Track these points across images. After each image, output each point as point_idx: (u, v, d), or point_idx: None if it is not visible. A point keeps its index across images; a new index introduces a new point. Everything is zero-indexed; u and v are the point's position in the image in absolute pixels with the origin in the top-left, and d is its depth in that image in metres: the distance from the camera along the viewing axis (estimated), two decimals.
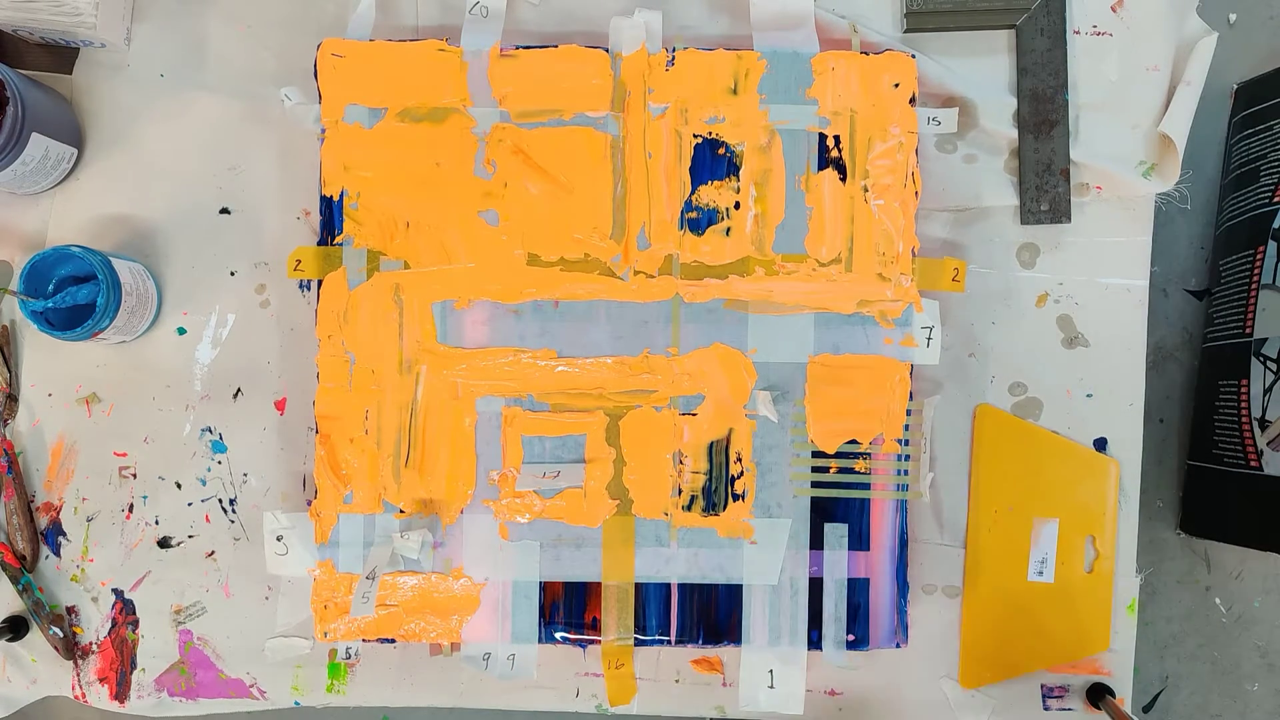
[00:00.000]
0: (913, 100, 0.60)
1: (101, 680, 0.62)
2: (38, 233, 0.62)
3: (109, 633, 0.62)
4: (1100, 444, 0.63)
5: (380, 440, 0.59)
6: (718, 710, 0.62)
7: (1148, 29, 0.62)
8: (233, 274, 0.62)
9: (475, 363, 0.59)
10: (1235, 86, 0.70)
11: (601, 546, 0.59)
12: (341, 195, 0.59)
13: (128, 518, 0.62)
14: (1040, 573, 0.62)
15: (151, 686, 0.62)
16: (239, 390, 0.62)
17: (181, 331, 0.62)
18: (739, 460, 0.59)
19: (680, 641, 0.60)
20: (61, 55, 0.63)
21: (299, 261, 0.59)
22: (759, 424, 0.59)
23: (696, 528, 0.59)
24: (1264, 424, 0.62)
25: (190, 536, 0.62)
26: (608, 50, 0.60)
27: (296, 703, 0.63)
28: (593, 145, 0.59)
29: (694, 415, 0.59)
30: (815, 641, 0.60)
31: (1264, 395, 0.62)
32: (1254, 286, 0.64)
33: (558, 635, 0.59)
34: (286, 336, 0.62)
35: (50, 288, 0.58)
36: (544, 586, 0.60)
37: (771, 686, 0.60)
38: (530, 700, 0.63)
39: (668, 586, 0.60)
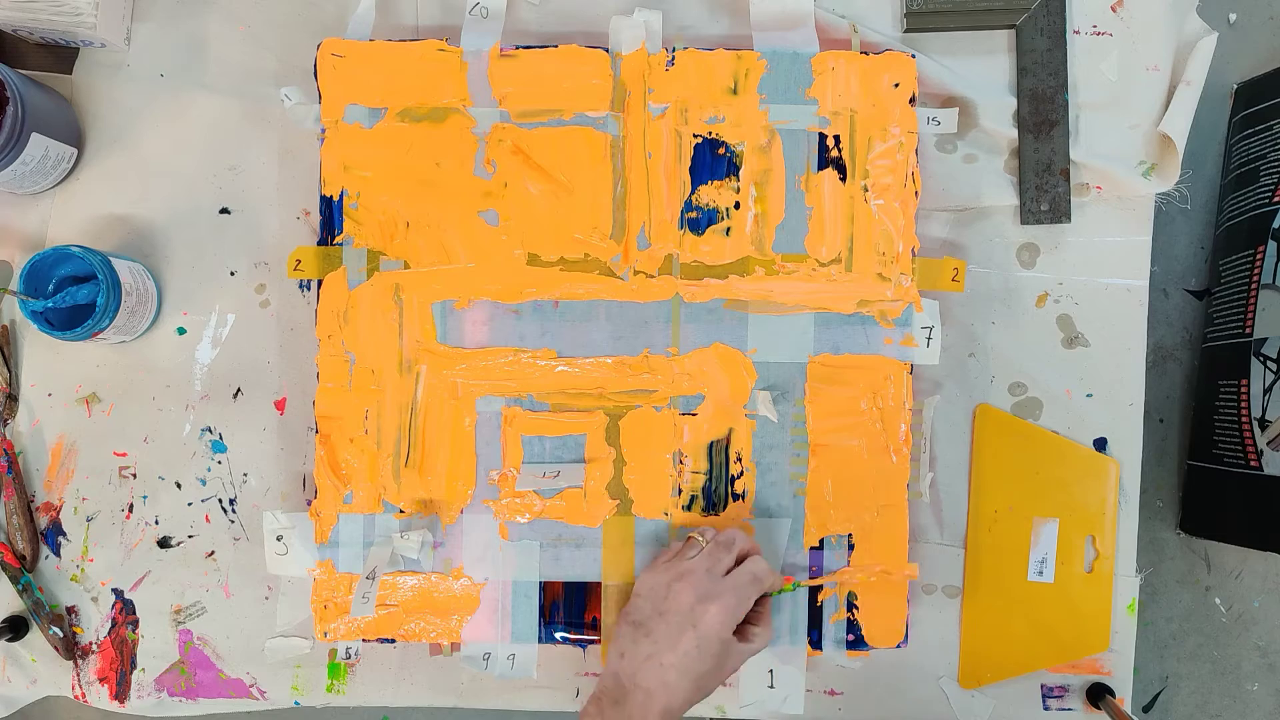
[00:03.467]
0: (913, 100, 0.60)
1: (101, 680, 0.62)
2: (38, 233, 0.62)
3: (109, 633, 0.62)
4: (1100, 444, 0.63)
5: (380, 440, 0.59)
6: (718, 710, 0.62)
7: (1148, 29, 0.62)
8: (233, 274, 0.62)
9: (475, 363, 0.59)
10: (1235, 86, 0.70)
11: (601, 546, 0.59)
12: (341, 195, 0.59)
13: (128, 518, 0.62)
14: (1040, 573, 0.62)
15: (151, 686, 0.62)
16: (239, 390, 0.62)
17: (181, 331, 0.62)
18: (739, 460, 0.59)
19: None
20: (61, 55, 0.62)
21: (299, 261, 0.59)
22: (759, 424, 0.59)
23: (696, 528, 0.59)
24: (1264, 424, 0.62)
25: (190, 536, 0.62)
26: (608, 50, 0.60)
27: (296, 703, 0.63)
28: (593, 145, 0.59)
29: (694, 415, 0.59)
30: (815, 641, 0.60)
31: (1264, 395, 0.62)
32: (1254, 286, 0.64)
33: (558, 635, 0.59)
34: (286, 336, 0.62)
35: (50, 288, 0.58)
36: (544, 586, 0.59)
37: (771, 686, 0.60)
38: (530, 700, 0.63)
39: None
